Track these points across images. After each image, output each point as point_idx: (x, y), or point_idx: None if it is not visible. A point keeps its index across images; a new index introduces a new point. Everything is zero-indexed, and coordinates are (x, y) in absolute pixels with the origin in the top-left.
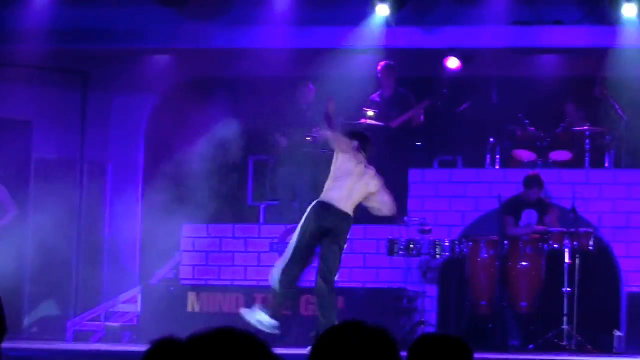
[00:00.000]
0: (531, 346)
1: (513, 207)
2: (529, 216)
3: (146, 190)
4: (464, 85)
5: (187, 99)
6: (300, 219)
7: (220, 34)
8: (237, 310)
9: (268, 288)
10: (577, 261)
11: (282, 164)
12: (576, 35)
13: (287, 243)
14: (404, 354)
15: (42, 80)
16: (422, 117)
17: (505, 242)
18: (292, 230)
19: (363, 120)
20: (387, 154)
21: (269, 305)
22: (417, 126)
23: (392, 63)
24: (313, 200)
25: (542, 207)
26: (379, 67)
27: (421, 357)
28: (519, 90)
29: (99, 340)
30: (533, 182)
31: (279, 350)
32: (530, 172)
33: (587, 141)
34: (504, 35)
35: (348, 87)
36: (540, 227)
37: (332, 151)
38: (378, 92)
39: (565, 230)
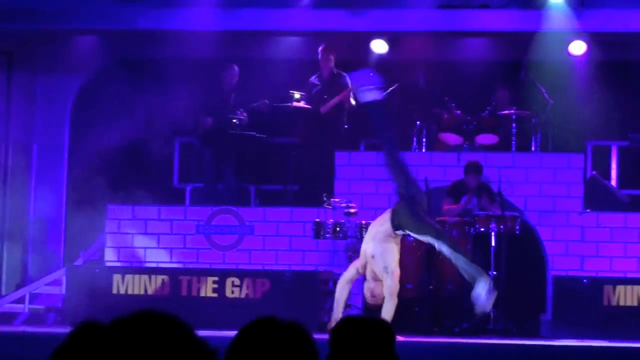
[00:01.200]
0: (456, 329)
1: (453, 191)
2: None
3: (71, 171)
4: (390, 69)
5: (113, 80)
6: (226, 201)
7: (147, 15)
8: (163, 292)
9: (190, 270)
10: (503, 245)
11: (208, 146)
12: (502, 19)
13: (214, 225)
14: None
15: None
16: (353, 101)
17: None
18: (220, 212)
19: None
20: (313, 137)
21: None
22: (349, 109)
23: (332, 44)
24: (238, 182)
25: (482, 192)
26: (319, 48)
27: (344, 340)
28: (446, 73)
29: (23, 322)
30: (468, 169)
31: (203, 333)
32: (470, 158)
33: (514, 125)
34: (430, 19)
35: (274, 69)
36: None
37: (259, 134)
38: (316, 74)
39: (491, 213)
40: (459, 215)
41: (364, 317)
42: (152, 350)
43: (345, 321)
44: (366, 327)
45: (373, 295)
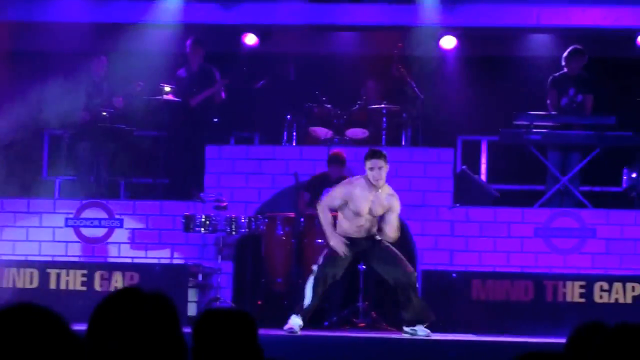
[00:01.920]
0: (326, 323)
1: (312, 185)
2: None
3: None
4: (261, 62)
5: None
6: (98, 194)
7: (16, 6)
8: (31, 285)
9: (59, 263)
10: None
11: (80, 139)
12: (374, 13)
13: (83, 218)
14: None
15: None
16: (224, 95)
17: (302, 219)
18: (89, 205)
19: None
20: (184, 130)
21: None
22: (220, 103)
23: (200, 38)
24: (109, 175)
25: None
26: (187, 42)
27: (206, 332)
28: (317, 67)
29: None
30: (332, 160)
31: (72, 327)
32: (334, 149)
33: (384, 119)
34: (301, 12)
35: (146, 62)
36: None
37: (129, 127)
38: (184, 67)
39: None
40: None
41: (225, 308)
42: (25, 342)
43: (207, 314)
44: (228, 319)
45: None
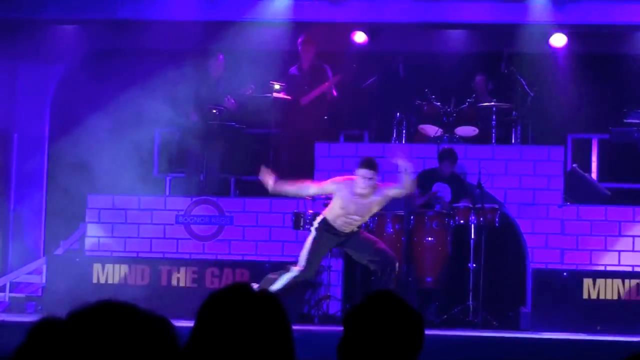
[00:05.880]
0: (437, 321)
1: (422, 180)
2: (441, 189)
3: (52, 160)
4: (370, 60)
5: (94, 69)
6: (208, 191)
7: (127, 4)
8: (142, 282)
9: (170, 260)
10: (483, 237)
11: (191, 136)
12: (483, 11)
13: (194, 216)
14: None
15: None
16: (335, 93)
17: (412, 217)
18: (200, 203)
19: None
20: (293, 127)
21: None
22: (331, 101)
23: (311, 36)
24: (219, 173)
25: (455, 182)
26: (299, 40)
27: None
28: (426, 65)
29: (3, 311)
30: (444, 156)
31: (182, 323)
32: (445, 146)
33: (494, 117)
34: (411, 10)
35: (255, 60)
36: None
37: (239, 125)
38: (296, 65)
39: (471, 205)
40: (424, 205)
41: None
42: (107, 341)
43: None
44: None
45: None
